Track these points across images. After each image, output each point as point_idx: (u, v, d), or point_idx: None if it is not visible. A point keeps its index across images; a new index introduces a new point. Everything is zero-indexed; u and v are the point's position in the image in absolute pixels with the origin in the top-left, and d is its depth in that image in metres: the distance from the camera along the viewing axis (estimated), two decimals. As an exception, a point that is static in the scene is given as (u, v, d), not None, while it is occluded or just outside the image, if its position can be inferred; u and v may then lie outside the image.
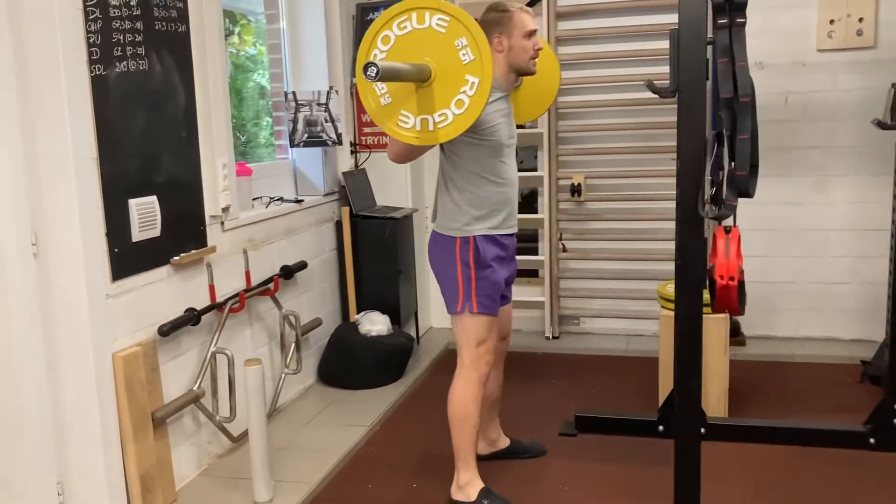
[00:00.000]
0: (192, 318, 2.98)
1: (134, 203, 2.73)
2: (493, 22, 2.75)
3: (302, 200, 3.97)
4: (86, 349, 2.54)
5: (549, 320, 4.73)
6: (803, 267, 4.50)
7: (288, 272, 3.71)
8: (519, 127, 3.07)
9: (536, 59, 2.82)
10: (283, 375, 3.69)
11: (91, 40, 2.53)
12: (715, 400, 3.49)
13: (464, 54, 2.24)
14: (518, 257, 2.98)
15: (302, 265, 3.83)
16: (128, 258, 2.71)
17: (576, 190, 4.51)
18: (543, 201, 4.69)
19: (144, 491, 2.70)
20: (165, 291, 2.93)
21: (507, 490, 2.94)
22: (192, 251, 3.03)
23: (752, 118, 2.13)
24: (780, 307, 4.57)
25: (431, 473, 3.07)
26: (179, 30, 2.96)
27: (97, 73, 2.55)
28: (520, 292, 4.79)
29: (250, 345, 3.51)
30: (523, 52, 2.76)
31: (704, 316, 3.48)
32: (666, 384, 3.48)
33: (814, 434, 3.25)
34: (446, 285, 2.78)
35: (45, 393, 2.53)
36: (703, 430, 3.37)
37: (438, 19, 2.24)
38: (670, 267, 3.67)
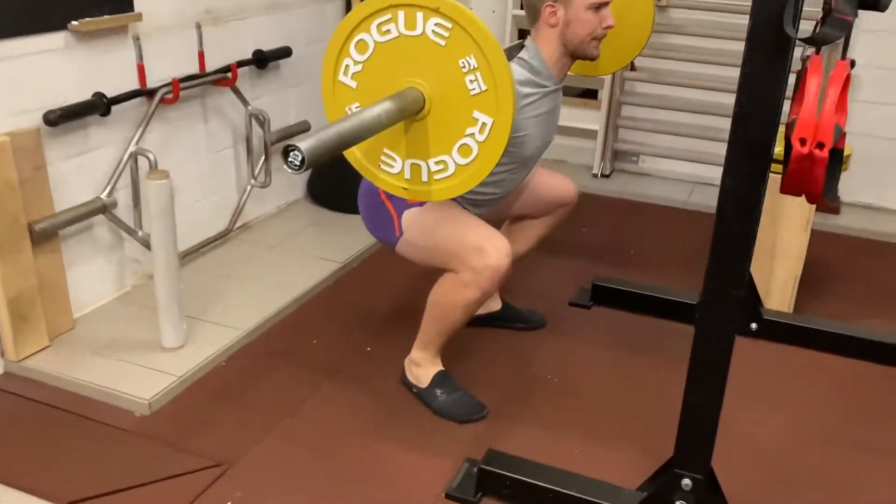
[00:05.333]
0: (97, 106, 2.29)
1: (-2, -62, 1.98)
2: None
3: (292, -33, 3.12)
4: (-81, 134, 1.90)
5: (600, 154, 3.88)
6: (940, 123, 3.46)
7: (262, 59, 2.94)
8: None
9: (599, 41, 2.00)
10: (249, 188, 3.03)
11: None
12: (780, 288, 2.68)
13: (471, 80, 1.50)
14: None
15: (284, 52, 3.05)
16: (-10, 16, 2.00)
17: (657, -9, 3.48)
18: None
19: (16, 318, 2.16)
20: (62, 68, 2.23)
21: (477, 369, 2.30)
22: (105, 16, 2.29)
23: None
24: (897, 172, 3.58)
25: (396, 336, 2.44)
26: None
27: None
28: (571, 116, 3.92)
29: (204, 147, 2.84)
30: (583, 28, 1.95)
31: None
32: (719, 259, 2.68)
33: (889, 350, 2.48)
34: (375, 221, 2.10)
35: None
36: (753, 325, 2.64)
37: (436, 25, 1.48)
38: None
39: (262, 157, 3.01)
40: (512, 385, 2.27)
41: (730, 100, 3.64)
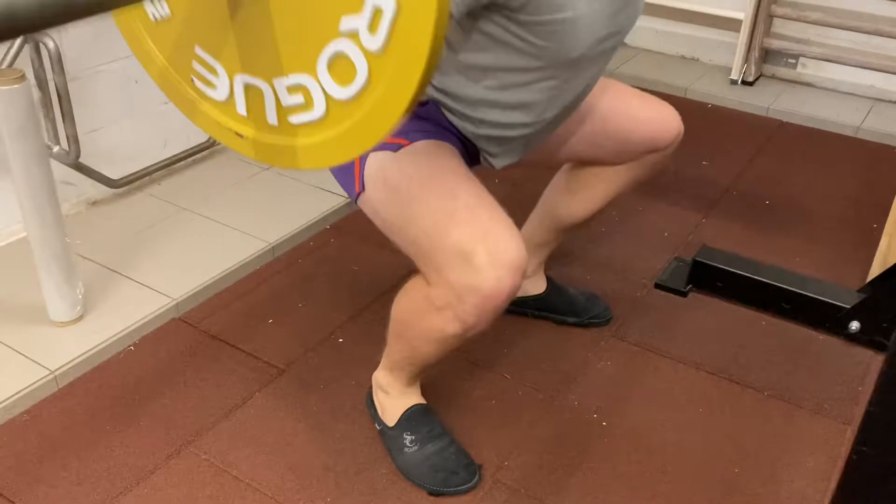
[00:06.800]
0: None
1: None
2: None
3: None
4: None
5: (743, 52, 2.83)
6: None
7: None
8: None
9: None
10: (240, 86, 2.28)
11: None
12: None
13: None
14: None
15: None
16: None
17: None
18: None
19: None
20: None
21: (481, 396, 1.51)
22: None
23: None
24: None
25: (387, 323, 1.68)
26: None
27: None
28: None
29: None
30: None
31: None
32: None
33: None
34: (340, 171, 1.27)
35: None
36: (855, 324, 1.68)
37: None
38: None
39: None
40: (530, 429, 1.46)
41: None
